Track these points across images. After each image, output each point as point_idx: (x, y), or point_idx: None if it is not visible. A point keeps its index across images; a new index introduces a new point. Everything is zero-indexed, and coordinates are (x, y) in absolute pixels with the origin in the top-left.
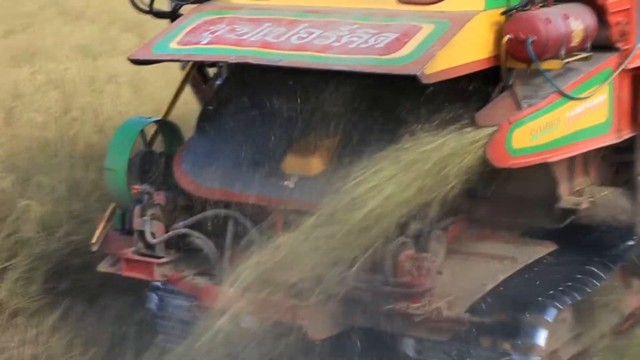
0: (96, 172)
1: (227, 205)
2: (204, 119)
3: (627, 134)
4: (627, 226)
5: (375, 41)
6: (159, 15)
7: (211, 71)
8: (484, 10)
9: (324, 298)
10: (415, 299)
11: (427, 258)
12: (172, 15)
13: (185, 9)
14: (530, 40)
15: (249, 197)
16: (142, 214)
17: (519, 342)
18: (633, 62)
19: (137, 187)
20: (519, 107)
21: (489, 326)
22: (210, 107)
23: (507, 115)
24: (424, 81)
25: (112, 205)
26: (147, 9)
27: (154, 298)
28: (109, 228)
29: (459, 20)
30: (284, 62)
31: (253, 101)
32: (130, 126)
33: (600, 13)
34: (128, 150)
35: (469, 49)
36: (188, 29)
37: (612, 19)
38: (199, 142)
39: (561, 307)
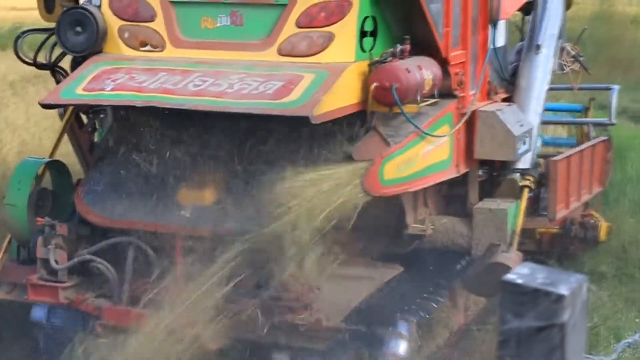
0: None
1: (126, 233)
2: (98, 159)
3: (463, 169)
4: (464, 250)
5: (264, 88)
6: (40, 66)
7: (84, 118)
8: (354, 61)
9: (218, 312)
10: (300, 312)
11: (309, 276)
12: (52, 67)
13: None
14: (394, 86)
15: (149, 226)
16: (45, 244)
17: (383, 351)
18: (467, 107)
19: (41, 219)
20: (387, 144)
21: (356, 337)
22: (102, 148)
23: (379, 151)
24: (313, 122)
25: (8, 237)
26: (30, 61)
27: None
28: (6, 259)
29: (335, 70)
30: (187, 106)
31: (143, 142)
32: (28, 166)
33: (443, 65)
34: (28, 187)
35: (345, 95)
36: (90, 77)
37: (452, 70)
38: (97, 179)
39: (415, 321)
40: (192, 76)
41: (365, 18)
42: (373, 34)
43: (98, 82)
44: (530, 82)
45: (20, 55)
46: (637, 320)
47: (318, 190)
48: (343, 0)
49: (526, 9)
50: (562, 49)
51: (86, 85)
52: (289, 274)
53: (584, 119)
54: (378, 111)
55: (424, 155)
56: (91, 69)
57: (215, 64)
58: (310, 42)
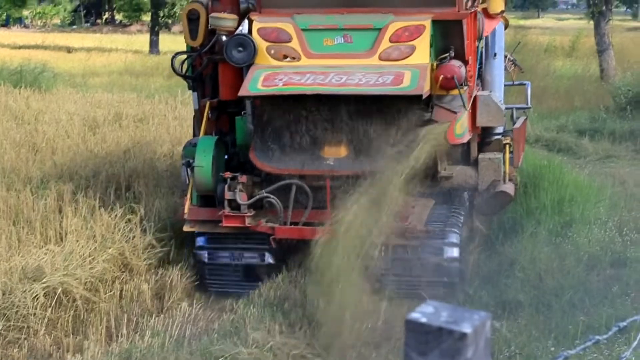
0: None
1: (289, 178)
2: (257, 131)
3: (471, 134)
4: (472, 186)
5: (383, 80)
6: (186, 77)
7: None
8: (428, 63)
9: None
10: (405, 221)
11: (408, 200)
12: (193, 79)
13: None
14: (455, 77)
15: (308, 171)
16: (230, 189)
17: (448, 241)
18: (473, 92)
19: (228, 173)
20: (454, 112)
21: (433, 235)
22: (259, 126)
23: (452, 116)
24: (423, 97)
25: (189, 189)
26: (182, 74)
27: (203, 254)
28: (189, 205)
29: (422, 68)
30: (342, 93)
31: (289, 118)
32: (207, 140)
33: (465, 65)
34: (211, 154)
35: (428, 83)
36: (262, 77)
37: (467, 68)
38: (262, 143)
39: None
40: (331, 75)
41: (431, 35)
42: (431, 45)
43: (270, 81)
44: (493, 77)
45: (175, 69)
46: (552, 348)
47: (416, 142)
48: (420, 25)
49: None
50: (505, 57)
51: (262, 83)
52: (397, 197)
53: (509, 105)
54: (439, 94)
55: (464, 121)
56: (258, 72)
57: (339, 67)
58: (400, 52)
